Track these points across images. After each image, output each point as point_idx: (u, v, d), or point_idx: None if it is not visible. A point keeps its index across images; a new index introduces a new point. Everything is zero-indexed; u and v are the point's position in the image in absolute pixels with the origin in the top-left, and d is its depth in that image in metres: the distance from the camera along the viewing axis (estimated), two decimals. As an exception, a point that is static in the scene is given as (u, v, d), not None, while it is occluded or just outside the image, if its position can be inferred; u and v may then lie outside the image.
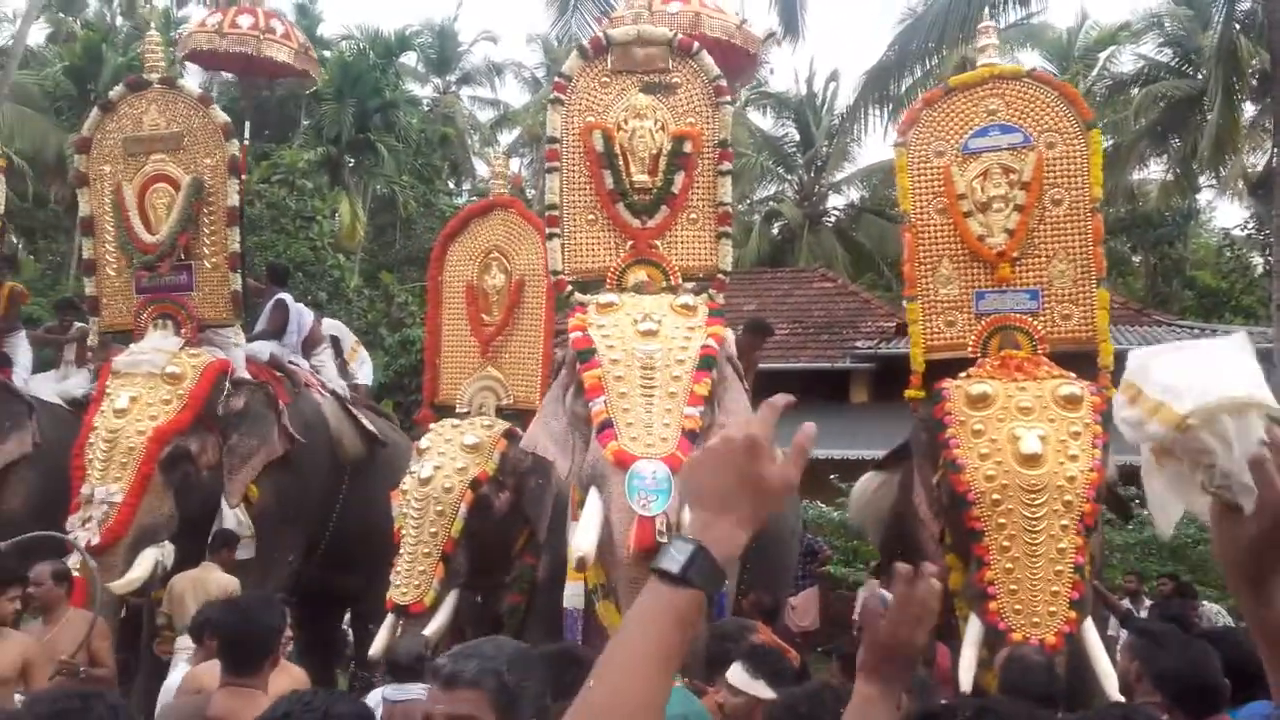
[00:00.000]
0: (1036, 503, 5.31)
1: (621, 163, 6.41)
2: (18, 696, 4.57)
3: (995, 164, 6.34)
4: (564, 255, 6.48)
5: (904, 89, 19.64)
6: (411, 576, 6.48)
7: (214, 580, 6.54)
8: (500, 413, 7.32)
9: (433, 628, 6.35)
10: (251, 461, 7.29)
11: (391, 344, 16.65)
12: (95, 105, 8.18)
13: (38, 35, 26.83)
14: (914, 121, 6.55)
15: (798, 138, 25.79)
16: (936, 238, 6.41)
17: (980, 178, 6.35)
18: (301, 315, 9.00)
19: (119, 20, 28.71)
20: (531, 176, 25.97)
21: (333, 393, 8.62)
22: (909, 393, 6.41)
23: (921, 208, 6.44)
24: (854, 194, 26.41)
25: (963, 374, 6.01)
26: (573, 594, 5.77)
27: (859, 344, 15.93)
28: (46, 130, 22.25)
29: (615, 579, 5.30)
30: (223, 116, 7.90)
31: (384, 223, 26.85)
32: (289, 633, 4.28)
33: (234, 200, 7.71)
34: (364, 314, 18.92)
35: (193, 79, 16.64)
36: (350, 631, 9.55)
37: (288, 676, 3.86)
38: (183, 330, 7.55)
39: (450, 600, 6.53)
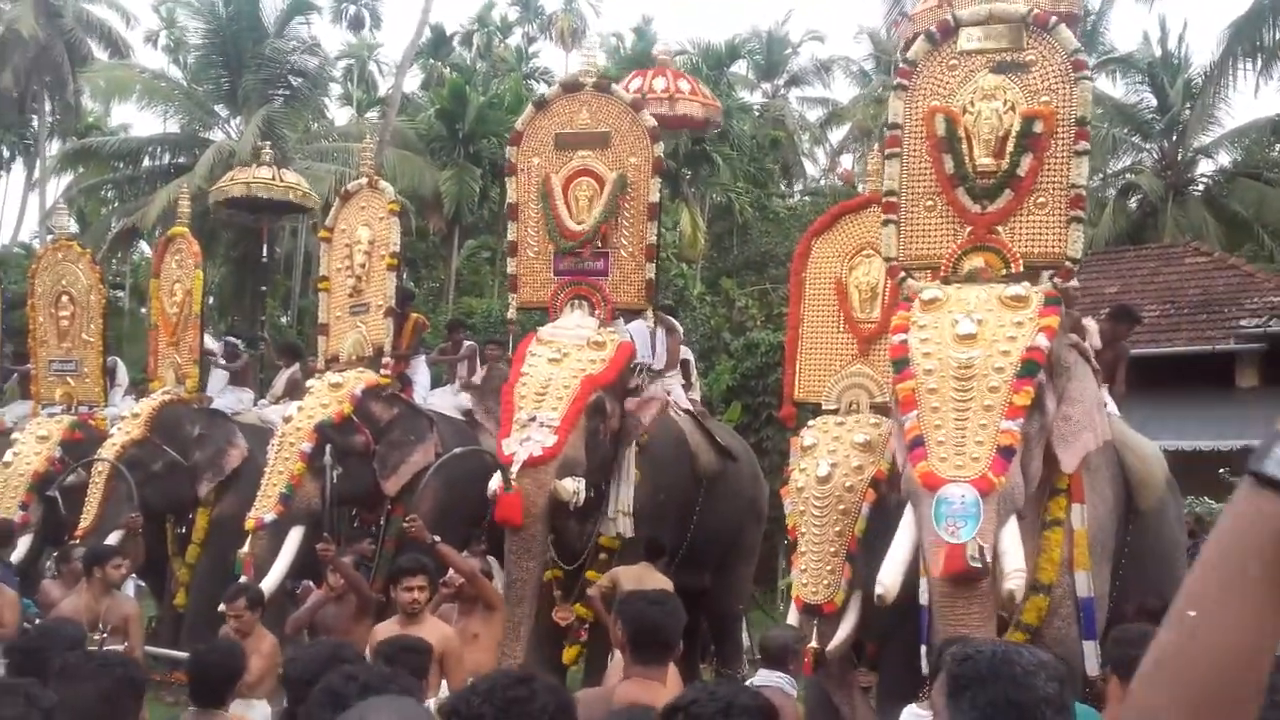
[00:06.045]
0: None
1: (965, 146, 6.23)
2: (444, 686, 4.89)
3: None
4: (898, 241, 6.37)
5: (1278, 38, 17.66)
6: (820, 576, 6.35)
7: (654, 580, 6.81)
8: (873, 411, 7.11)
9: (841, 635, 6.21)
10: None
11: (736, 348, 17.02)
12: (531, 104, 8.93)
13: (411, 83, 29.86)
14: None
15: (1154, 102, 23.80)
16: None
17: None
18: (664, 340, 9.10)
19: (479, 64, 31.33)
20: (862, 171, 25.67)
21: (687, 411, 8.87)
22: None
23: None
24: (1224, 158, 24.03)
25: None
26: (922, 590, 5.74)
27: (1244, 322, 14.47)
28: (422, 169, 24.60)
29: (931, 594, 5.39)
30: (651, 120, 8.39)
31: (721, 230, 27.47)
32: None
33: (654, 196, 8.27)
34: (707, 320, 19.45)
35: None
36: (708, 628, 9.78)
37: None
38: (596, 312, 8.16)
39: (855, 603, 6.30)
